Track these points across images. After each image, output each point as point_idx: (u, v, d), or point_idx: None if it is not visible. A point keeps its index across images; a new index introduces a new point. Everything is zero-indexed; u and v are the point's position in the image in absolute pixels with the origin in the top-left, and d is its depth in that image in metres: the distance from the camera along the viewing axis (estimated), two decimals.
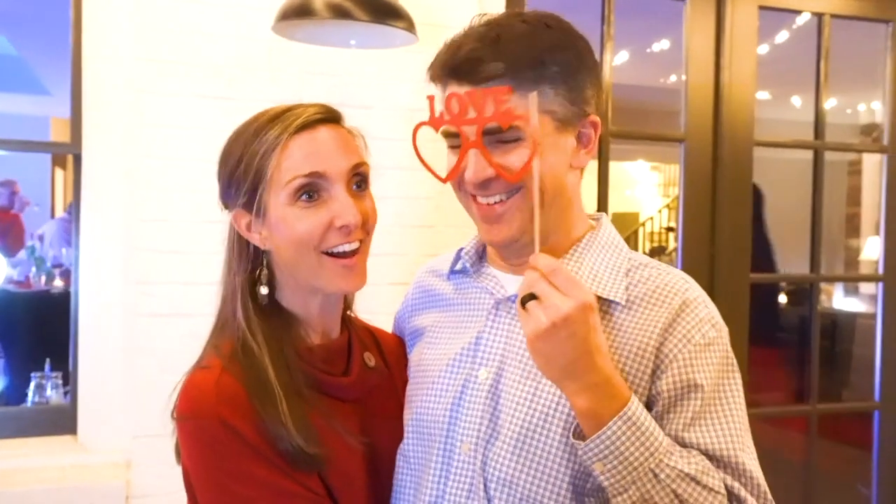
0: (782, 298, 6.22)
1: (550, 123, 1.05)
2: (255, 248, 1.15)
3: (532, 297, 0.94)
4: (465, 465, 1.09)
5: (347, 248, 1.10)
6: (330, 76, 2.24)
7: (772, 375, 4.48)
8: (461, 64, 1.04)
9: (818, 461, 2.95)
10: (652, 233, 11.81)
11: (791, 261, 5.14)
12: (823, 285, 6.22)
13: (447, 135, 1.08)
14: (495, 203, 1.07)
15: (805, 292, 3.13)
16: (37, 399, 2.49)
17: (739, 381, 1.08)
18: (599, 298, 1.08)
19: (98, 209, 2.14)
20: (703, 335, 1.05)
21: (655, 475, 0.95)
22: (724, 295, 2.73)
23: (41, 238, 5.26)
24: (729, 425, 1.03)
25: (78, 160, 2.15)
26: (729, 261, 2.76)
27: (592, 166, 2.74)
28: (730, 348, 1.09)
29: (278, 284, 1.15)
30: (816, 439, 2.95)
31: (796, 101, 7.36)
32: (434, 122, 1.07)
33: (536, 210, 1.00)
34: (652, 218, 11.85)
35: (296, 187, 1.08)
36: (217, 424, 1.03)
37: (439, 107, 1.06)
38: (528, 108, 1.00)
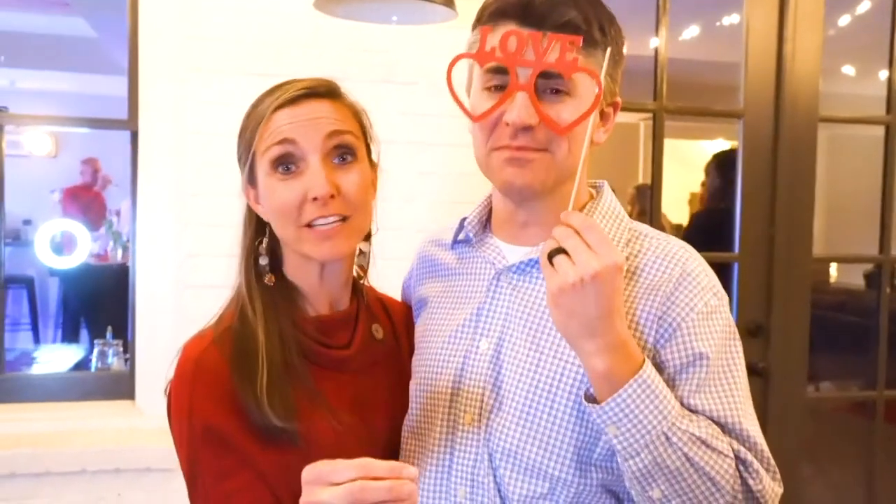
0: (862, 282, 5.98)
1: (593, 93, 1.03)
2: (260, 219, 1.17)
3: (560, 251, 0.94)
4: (470, 436, 1.10)
5: (323, 222, 1.10)
6: (374, 52, 2.26)
7: (836, 359, 4.33)
8: (536, 5, 1.01)
9: (884, 448, 2.85)
10: None
11: (861, 241, 4.92)
12: None
13: (492, 71, 1.05)
14: (531, 148, 1.04)
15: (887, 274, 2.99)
16: (99, 365, 2.61)
17: (741, 348, 1.07)
18: None
19: (152, 185, 2.23)
20: (706, 303, 1.05)
21: (668, 438, 0.95)
22: (783, 275, 2.66)
23: (118, 213, 5.50)
24: (733, 393, 1.03)
25: (135, 137, 2.24)
26: (789, 240, 2.68)
27: (676, 147, 2.69)
28: (731, 316, 1.08)
29: (283, 256, 1.18)
30: (882, 425, 2.84)
31: (883, 75, 7.00)
32: (483, 56, 1.03)
33: (581, 164, 0.99)
34: None
35: (272, 157, 1.10)
36: (185, 399, 1.08)
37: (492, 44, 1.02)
38: (596, 63, 1.01)
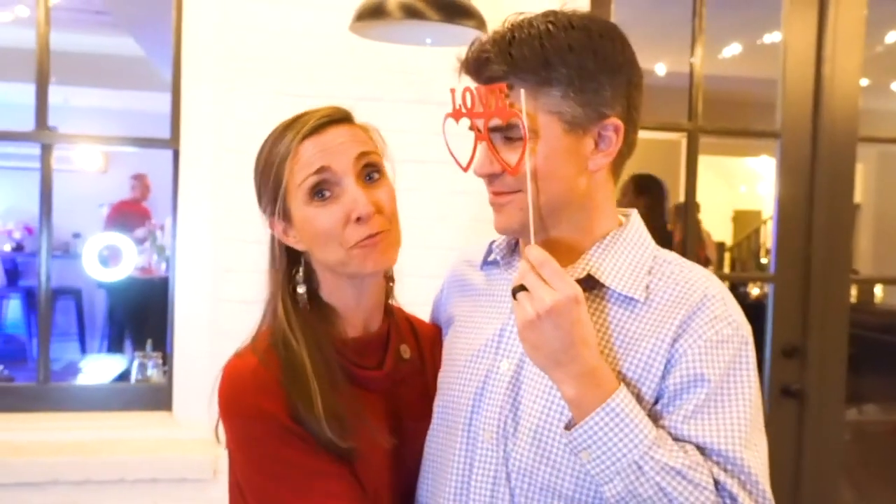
0: None
1: (559, 125, 1.06)
2: (290, 249, 1.20)
3: (523, 287, 0.98)
4: (489, 455, 1.12)
5: (367, 236, 1.14)
6: (409, 73, 2.30)
7: (881, 381, 4.23)
8: (471, 62, 1.09)
9: None
10: None
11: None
12: None
13: (469, 127, 1.11)
14: (501, 193, 1.09)
15: None
16: (139, 377, 2.68)
17: (752, 377, 1.05)
18: (620, 295, 1.09)
19: (192, 200, 2.29)
20: (717, 332, 1.04)
21: (639, 467, 0.96)
22: (821, 296, 2.62)
23: (162, 228, 5.63)
24: (731, 419, 1.01)
25: (177, 155, 2.31)
26: (827, 260, 2.64)
27: (722, 165, 2.66)
28: (748, 346, 1.06)
29: (318, 281, 1.21)
30: None
31: None
32: (455, 114, 1.11)
33: (530, 203, 1.03)
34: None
35: (309, 187, 1.14)
36: (254, 410, 1.10)
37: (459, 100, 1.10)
38: (553, 101, 1.03)
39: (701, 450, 1.00)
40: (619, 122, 1.08)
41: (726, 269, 8.90)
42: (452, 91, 1.10)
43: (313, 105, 2.22)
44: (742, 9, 3.95)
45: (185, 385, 2.32)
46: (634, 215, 1.20)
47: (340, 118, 1.19)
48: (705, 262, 4.78)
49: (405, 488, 1.22)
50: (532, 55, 1.04)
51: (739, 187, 11.45)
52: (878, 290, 5.91)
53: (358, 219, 1.13)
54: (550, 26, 1.05)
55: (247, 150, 2.26)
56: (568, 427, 1.01)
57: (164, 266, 4.96)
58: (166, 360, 2.50)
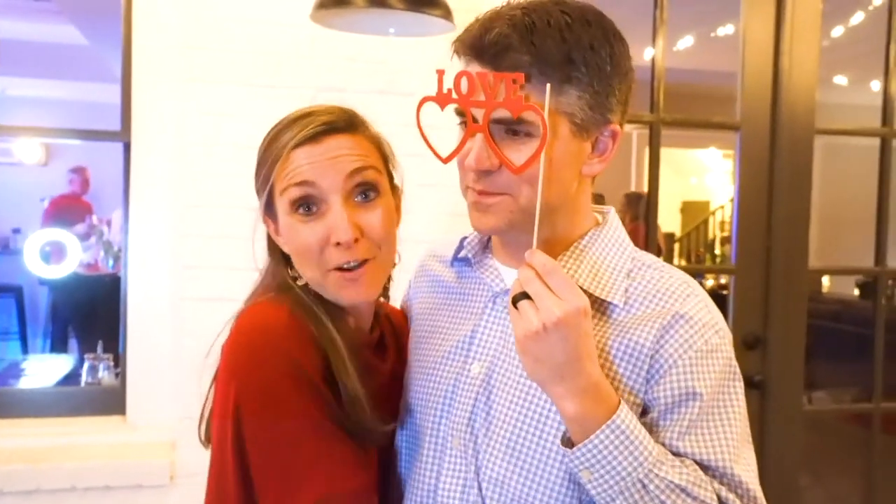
0: (856, 291, 6.00)
1: (567, 127, 0.99)
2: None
3: (524, 295, 0.91)
4: (458, 463, 1.07)
5: (347, 266, 1.08)
6: (372, 63, 2.25)
7: (830, 368, 4.33)
8: (488, 46, 0.97)
9: (882, 460, 2.83)
10: (723, 221, 11.50)
11: (864, 252, 4.94)
12: None
13: (456, 113, 1.03)
14: (489, 193, 1.01)
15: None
16: (90, 379, 2.57)
17: (741, 389, 1.03)
18: (597, 299, 1.04)
19: (146, 195, 2.20)
20: (706, 341, 1.01)
21: (644, 486, 0.92)
22: (780, 287, 2.65)
23: (109, 223, 5.46)
24: (725, 435, 0.99)
25: (127, 148, 2.21)
26: (786, 252, 2.67)
27: (670, 156, 2.68)
28: (733, 356, 1.04)
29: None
30: (880, 437, 2.83)
31: (875, 85, 7.04)
32: (440, 99, 1.00)
33: (538, 206, 0.95)
34: (722, 207, 11.54)
35: (291, 198, 1.08)
36: (286, 361, 1.01)
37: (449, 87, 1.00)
38: (567, 101, 0.96)
39: (698, 465, 0.98)
40: (619, 129, 1.05)
41: (677, 261, 9.02)
42: (440, 73, 1.00)
43: (275, 96, 2.19)
44: (698, 2, 3.98)
45: (140, 387, 2.23)
46: (612, 214, 1.15)
47: (343, 126, 1.10)
48: (657, 253, 4.82)
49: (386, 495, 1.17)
50: (556, 50, 0.96)
51: (690, 179, 11.64)
52: (826, 280, 6.05)
53: (337, 243, 1.06)
54: (568, 18, 0.97)
55: (207, 142, 2.22)
56: (566, 444, 0.96)
57: (111, 263, 4.80)
58: (118, 362, 2.40)
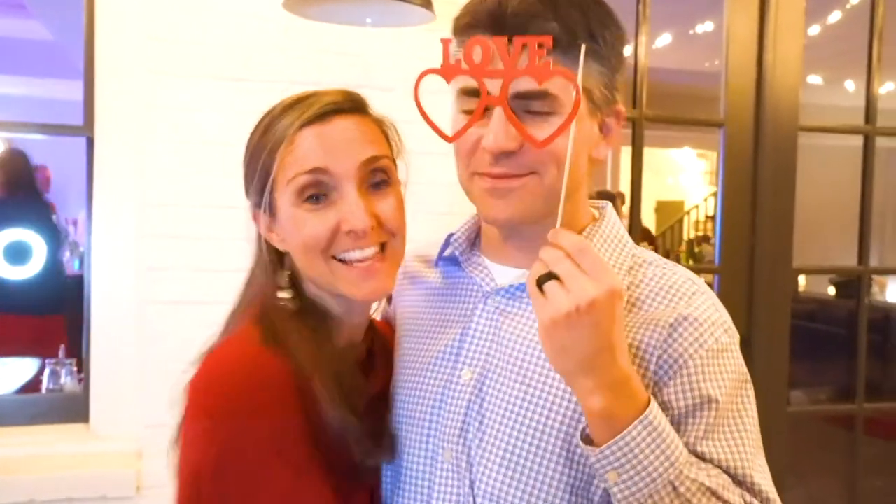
0: (830, 290, 6.02)
1: (586, 104, 0.94)
2: (276, 249, 1.05)
3: (549, 277, 0.82)
4: (450, 476, 0.99)
5: (359, 254, 0.99)
6: (348, 56, 2.17)
7: (806, 367, 4.34)
8: (510, 16, 0.90)
9: (865, 461, 2.81)
10: (697, 221, 11.56)
11: (844, 250, 4.95)
12: (876, 277, 5.99)
13: (465, 93, 0.94)
14: (510, 175, 0.94)
15: (856, 284, 2.97)
16: (51, 386, 2.47)
17: (752, 392, 0.98)
18: None
19: (110, 193, 2.10)
20: (716, 340, 0.95)
21: (674, 488, 0.85)
22: (765, 286, 2.61)
23: (76, 223, 5.32)
24: (743, 440, 0.94)
25: (91, 144, 2.11)
26: (771, 251, 2.63)
27: (645, 155, 2.67)
28: (741, 355, 0.99)
29: (302, 288, 1.06)
30: (863, 438, 2.80)
31: (849, 85, 7.08)
32: (447, 71, 0.91)
33: (565, 182, 0.88)
34: (697, 206, 11.60)
35: (299, 186, 0.98)
36: (249, 409, 0.91)
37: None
38: (572, 67, 0.88)
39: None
40: (623, 110, 1.00)
41: None
42: (445, 42, 0.92)
43: (245, 90, 2.10)
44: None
45: (105, 394, 2.13)
46: (609, 209, 1.09)
47: (351, 107, 1.02)
48: None
49: None
50: (581, 20, 0.91)
51: (667, 178, 11.68)
52: (802, 279, 6.06)
53: (349, 231, 0.97)
54: None
55: (175, 137, 2.12)
56: (589, 443, 0.88)
57: (77, 264, 4.67)
58: (82, 367, 2.30)
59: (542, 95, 0.90)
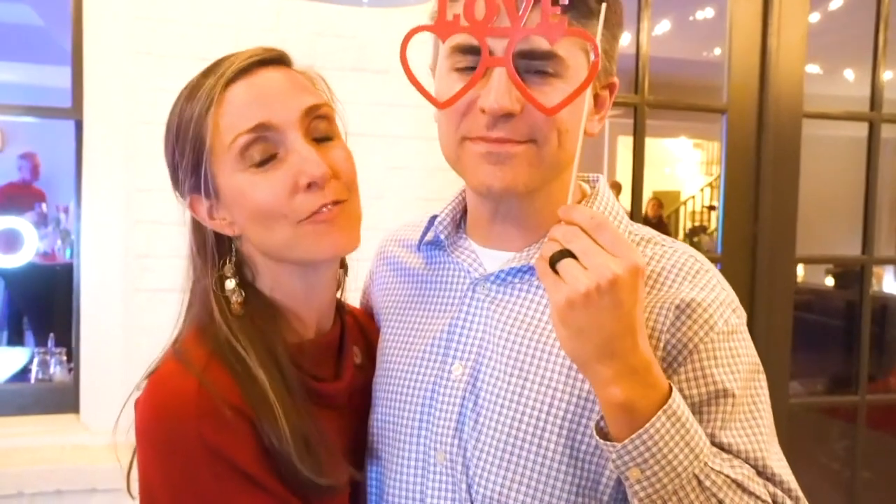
0: (829, 281, 5.99)
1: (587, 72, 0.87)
2: (218, 236, 0.95)
3: (562, 256, 0.76)
4: (445, 479, 0.93)
5: (320, 203, 0.90)
6: (341, 38, 2.12)
7: (803, 358, 4.31)
8: None
9: (866, 452, 2.78)
10: (693, 212, 11.54)
11: (839, 241, 4.92)
12: (875, 268, 5.96)
13: (461, 50, 0.86)
14: (509, 140, 0.86)
15: (853, 275, 2.94)
16: (40, 376, 2.42)
17: (765, 379, 0.93)
18: None
19: (99, 178, 2.05)
20: (726, 321, 0.89)
21: (700, 482, 0.80)
22: (767, 276, 2.57)
23: (67, 210, 5.26)
24: (760, 429, 0.89)
25: (79, 127, 2.06)
26: (773, 239, 2.59)
27: (630, 143, 2.63)
28: (749, 337, 0.93)
29: (257, 273, 0.96)
30: (864, 430, 2.77)
31: (849, 74, 7.03)
32: (442, 28, 0.84)
33: (578, 152, 0.82)
34: (693, 197, 11.57)
35: (241, 147, 0.88)
36: (197, 444, 0.84)
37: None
38: (585, 27, 0.82)
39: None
40: (617, 81, 0.94)
41: None
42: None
43: None
44: None
45: (95, 384, 2.09)
46: (602, 182, 1.02)
47: (277, 59, 0.94)
48: None
49: None
50: None
51: (664, 168, 11.65)
52: (800, 269, 6.03)
53: (309, 184, 0.88)
54: None
55: (163, 121, 2.06)
56: (607, 437, 0.82)
57: (68, 252, 4.62)
58: (72, 357, 2.25)
59: (549, 56, 0.83)
